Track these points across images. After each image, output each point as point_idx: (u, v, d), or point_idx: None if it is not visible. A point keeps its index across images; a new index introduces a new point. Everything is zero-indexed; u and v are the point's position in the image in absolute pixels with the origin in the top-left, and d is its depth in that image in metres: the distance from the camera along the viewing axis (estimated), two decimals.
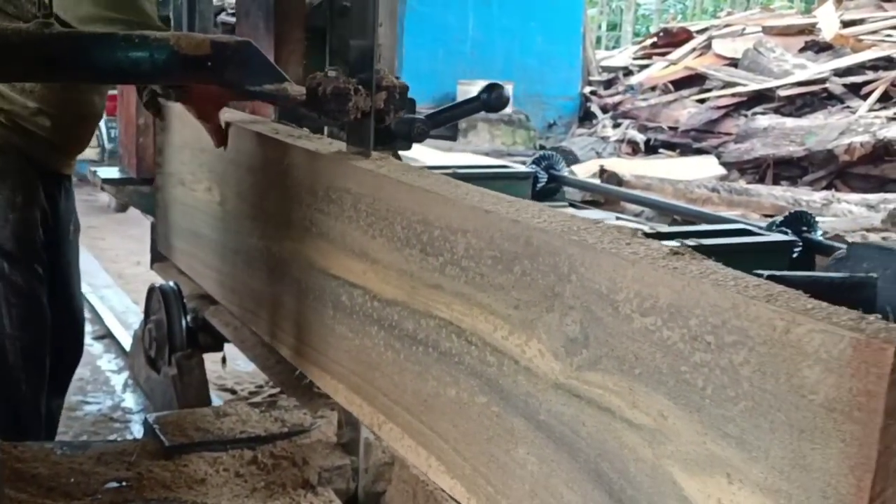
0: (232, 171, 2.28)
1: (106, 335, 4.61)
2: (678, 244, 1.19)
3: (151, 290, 3.32)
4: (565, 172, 4.67)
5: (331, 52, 2.32)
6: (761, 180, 9.99)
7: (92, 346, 4.60)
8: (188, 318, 3.16)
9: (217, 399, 3.97)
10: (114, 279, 5.85)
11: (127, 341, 4.57)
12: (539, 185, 4.45)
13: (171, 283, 3.20)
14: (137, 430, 3.71)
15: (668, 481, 1.05)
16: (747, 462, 0.96)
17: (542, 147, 11.15)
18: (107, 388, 4.11)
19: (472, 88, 11.01)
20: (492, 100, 2.35)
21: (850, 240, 3.24)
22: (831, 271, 2.25)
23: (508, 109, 11.45)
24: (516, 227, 1.29)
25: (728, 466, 0.98)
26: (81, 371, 4.26)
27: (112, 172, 3.60)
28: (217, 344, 3.19)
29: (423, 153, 5.72)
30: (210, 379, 4.21)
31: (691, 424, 1.03)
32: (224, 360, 3.45)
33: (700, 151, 11.00)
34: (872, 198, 7.96)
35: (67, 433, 3.59)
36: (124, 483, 1.98)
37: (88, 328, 4.85)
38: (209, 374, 4.22)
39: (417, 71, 10.54)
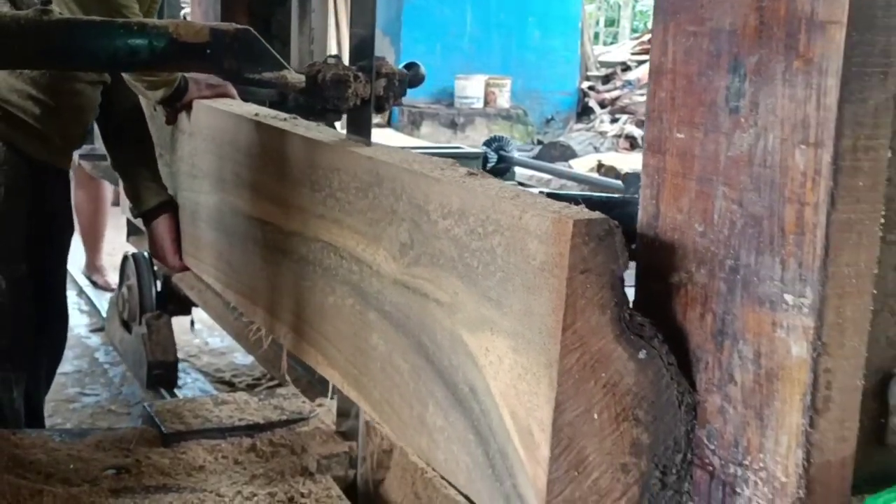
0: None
1: (103, 328, 4.60)
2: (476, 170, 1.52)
3: (125, 258, 3.48)
4: (514, 154, 4.86)
5: (271, 37, 2.40)
6: None
7: (89, 338, 4.57)
8: (158, 283, 3.31)
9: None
10: (110, 272, 5.84)
11: None
12: (489, 165, 4.61)
13: (144, 252, 3.29)
14: (136, 422, 3.72)
15: (459, 341, 1.38)
16: (501, 317, 1.29)
17: (539, 142, 11.08)
18: (104, 379, 4.09)
19: (469, 83, 10.97)
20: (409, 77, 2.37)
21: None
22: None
23: (506, 104, 11.41)
24: (370, 162, 1.62)
25: (491, 322, 1.31)
26: (79, 363, 4.24)
27: (87, 149, 3.66)
28: (184, 307, 3.33)
29: (391, 139, 5.91)
30: (208, 371, 4.23)
31: (471, 296, 1.35)
32: (192, 323, 3.61)
33: None
34: None
35: (66, 425, 3.55)
36: (123, 470, 1.98)
37: (86, 320, 4.84)
38: (207, 367, 4.25)
39: None
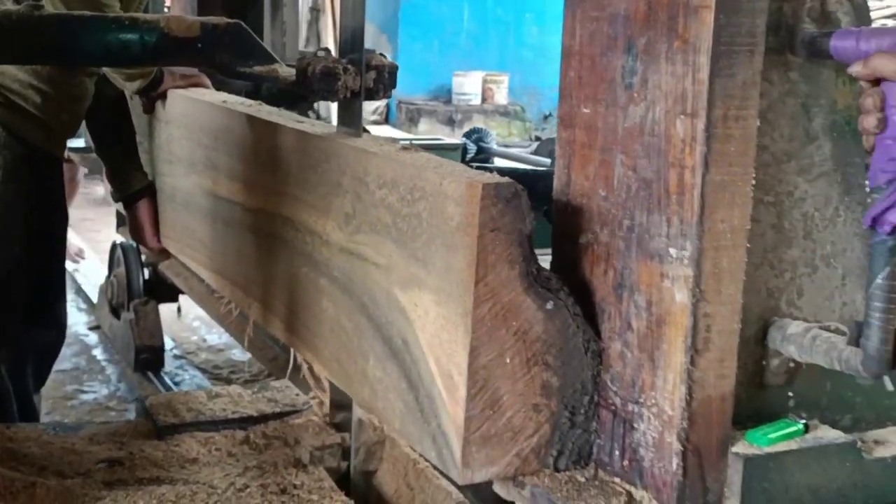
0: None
1: (100, 325, 4.70)
2: (409, 143, 1.69)
3: (114, 247, 3.58)
4: (494, 145, 5.02)
5: None
6: None
7: (87, 336, 4.63)
8: (146, 271, 3.43)
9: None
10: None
11: None
12: (468, 156, 4.76)
13: (132, 242, 3.41)
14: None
15: (394, 298, 1.53)
16: (427, 274, 1.43)
17: (538, 138, 11.19)
18: (102, 377, 4.14)
19: (467, 80, 11.10)
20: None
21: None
22: None
23: (503, 101, 11.53)
24: (322, 140, 1.78)
25: (419, 280, 1.45)
26: (77, 360, 4.28)
27: (78, 143, 3.77)
28: (171, 294, 3.44)
29: (389, 136, 6.03)
30: (206, 368, 4.29)
31: (403, 258, 1.50)
32: (179, 310, 3.69)
33: None
34: None
35: (64, 421, 3.60)
36: (116, 462, 1.99)
37: (84, 318, 4.95)
38: (205, 363, 4.33)
39: (412, 63, 10.59)
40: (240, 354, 4.36)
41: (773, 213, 1.38)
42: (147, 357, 3.65)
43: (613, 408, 1.41)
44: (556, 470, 1.42)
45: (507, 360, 1.37)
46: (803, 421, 1.40)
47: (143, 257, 3.59)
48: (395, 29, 10.92)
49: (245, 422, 2.19)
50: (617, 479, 1.40)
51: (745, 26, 1.24)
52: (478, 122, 11.11)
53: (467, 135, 5.12)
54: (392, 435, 1.58)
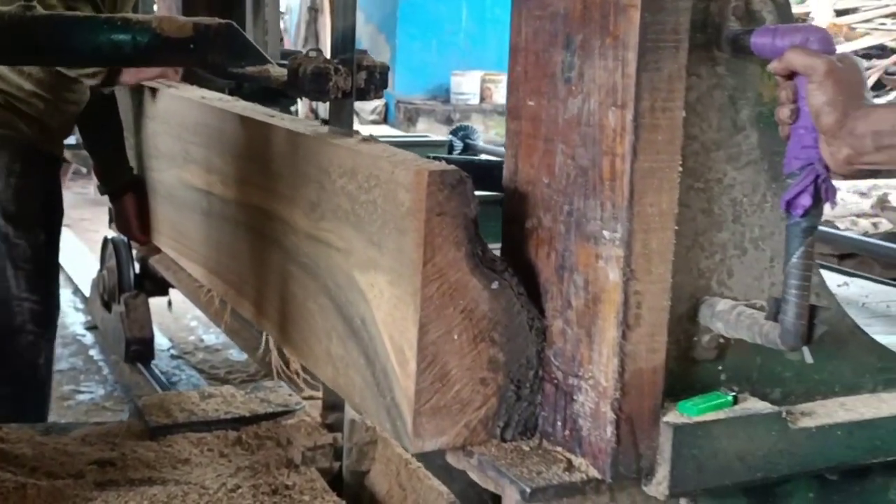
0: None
1: (93, 318, 4.76)
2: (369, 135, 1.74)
3: (105, 242, 3.67)
4: (480, 142, 5.15)
5: None
6: None
7: (84, 336, 4.67)
8: (136, 265, 3.53)
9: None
10: None
11: None
12: (455, 152, 4.87)
13: (122, 237, 3.51)
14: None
15: (353, 280, 1.64)
16: (381, 256, 1.54)
17: None
18: (99, 377, 4.17)
19: (465, 79, 11.20)
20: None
21: None
22: None
23: (502, 100, 11.62)
24: (290, 133, 1.88)
25: (375, 262, 1.56)
26: (74, 361, 4.30)
27: (69, 140, 3.87)
28: (161, 288, 3.53)
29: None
30: (203, 368, 4.33)
31: (361, 242, 1.61)
32: (169, 303, 3.77)
33: None
34: (862, 184, 7.92)
35: (59, 421, 3.71)
36: (107, 463, 1.99)
37: (80, 318, 5.03)
38: (202, 364, 4.36)
39: (411, 63, 10.70)
40: (237, 354, 4.40)
41: (703, 199, 1.48)
42: (137, 349, 3.75)
43: (556, 381, 1.50)
44: (503, 440, 1.52)
45: (455, 337, 1.46)
46: (733, 393, 1.49)
47: (134, 252, 3.68)
48: (393, 28, 11.01)
49: (237, 422, 2.19)
50: (559, 448, 1.50)
51: (669, 24, 1.34)
52: (476, 121, 11.19)
53: (454, 132, 5.24)
54: (352, 408, 1.67)
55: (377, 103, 9.90)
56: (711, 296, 1.49)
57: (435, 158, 1.59)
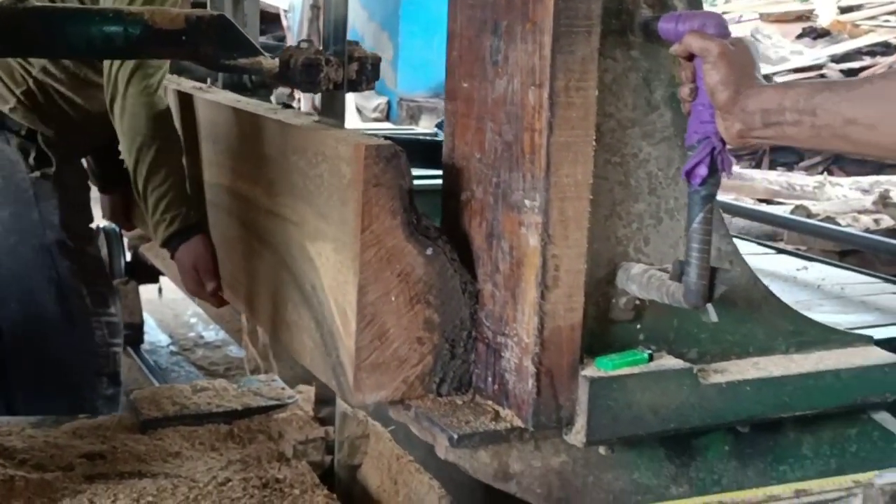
0: None
1: None
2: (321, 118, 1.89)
3: (97, 230, 3.79)
4: None
5: None
6: (757, 166, 10.08)
7: None
8: (128, 253, 3.66)
9: None
10: None
11: None
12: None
13: (114, 226, 3.64)
14: None
15: (305, 250, 1.77)
16: (328, 227, 1.68)
17: None
18: None
19: None
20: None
21: None
22: None
23: None
24: (252, 116, 2.01)
25: (322, 232, 1.70)
26: None
27: None
28: (151, 276, 3.66)
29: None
30: (202, 364, 4.41)
31: (311, 214, 1.74)
32: (160, 290, 3.90)
33: None
34: (864, 180, 7.96)
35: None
36: (97, 456, 1.98)
37: None
38: (202, 360, 4.44)
39: (413, 61, 10.81)
40: (236, 351, 4.42)
41: (620, 172, 1.61)
42: (128, 333, 3.86)
43: (487, 340, 1.64)
44: (439, 395, 1.65)
45: (393, 299, 1.60)
46: (649, 351, 1.62)
47: (126, 240, 3.81)
48: (395, 27, 11.12)
49: (229, 416, 2.17)
50: (490, 402, 1.63)
51: (581, 10, 1.47)
52: None
53: (439, 125, 5.39)
54: (305, 365, 1.80)
55: (379, 101, 10.03)
56: (629, 262, 1.62)
57: (385, 137, 1.71)
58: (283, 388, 2.32)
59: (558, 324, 1.54)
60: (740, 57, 1.40)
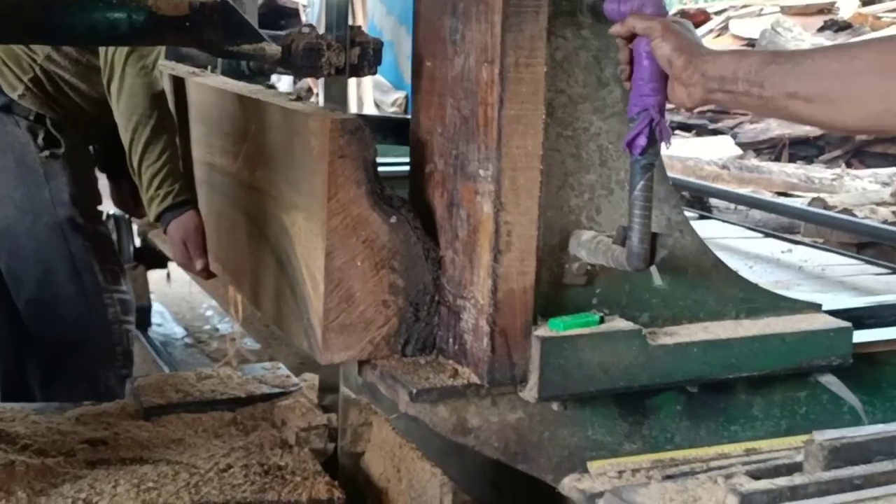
0: None
1: None
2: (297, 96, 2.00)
3: (107, 217, 3.92)
4: None
5: None
6: (777, 160, 10.09)
7: None
8: (137, 240, 3.78)
9: None
10: None
11: None
12: None
13: (123, 213, 3.77)
14: None
15: (280, 221, 1.88)
16: (299, 197, 1.80)
17: None
18: None
19: None
20: None
21: None
22: None
23: None
24: (235, 96, 2.14)
25: (295, 202, 1.82)
26: None
27: None
28: (160, 261, 3.78)
29: None
30: (217, 358, 4.40)
31: (286, 187, 1.85)
32: (168, 276, 4.01)
33: (716, 132, 11.12)
34: (883, 172, 7.96)
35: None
36: (100, 442, 2.00)
37: None
38: (216, 353, 4.50)
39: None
40: (251, 343, 4.41)
41: (571, 145, 1.71)
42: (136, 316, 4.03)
43: (448, 304, 1.74)
44: (404, 355, 1.76)
45: (359, 264, 1.71)
46: (601, 314, 1.72)
47: (135, 227, 3.93)
48: (397, 24, 11.22)
49: (233, 403, 2.18)
50: (451, 361, 1.74)
51: None
52: None
53: None
54: (283, 331, 1.90)
55: (397, 95, 10.14)
56: (581, 230, 1.72)
57: (358, 116, 1.81)
58: (287, 376, 2.33)
59: (511, 286, 1.64)
60: (683, 29, 1.49)
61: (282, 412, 2.11)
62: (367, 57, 1.82)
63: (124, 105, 2.33)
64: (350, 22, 1.86)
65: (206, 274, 2.38)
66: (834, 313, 1.93)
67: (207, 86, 2.30)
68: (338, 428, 2.08)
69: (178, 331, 4.85)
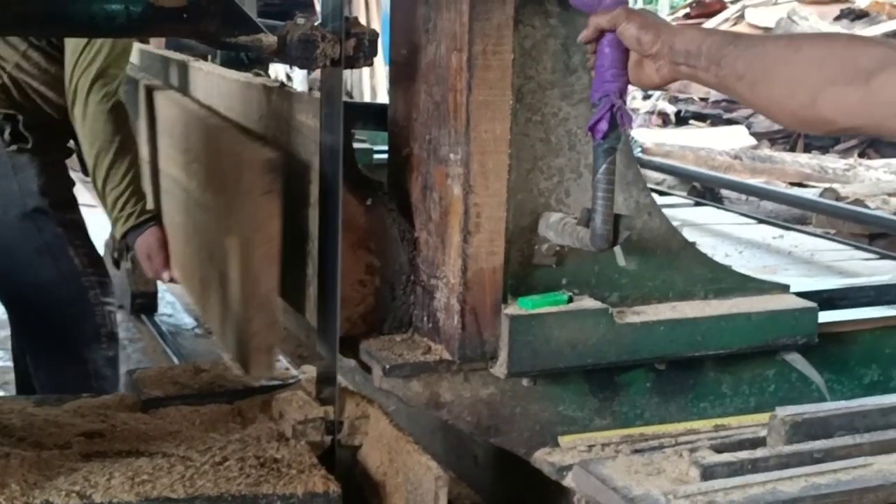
0: None
1: (121, 305, 5.03)
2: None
3: None
4: None
5: None
6: (792, 149, 10.08)
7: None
8: None
9: None
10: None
11: None
12: None
13: None
14: None
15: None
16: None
17: None
18: (123, 355, 4.20)
19: None
20: None
21: None
22: None
23: None
24: (189, 115, 2.22)
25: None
26: None
27: None
28: None
29: None
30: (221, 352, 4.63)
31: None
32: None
33: (730, 122, 11.11)
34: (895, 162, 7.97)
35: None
36: (96, 434, 1.99)
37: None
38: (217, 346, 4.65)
39: None
40: None
41: (540, 130, 1.76)
42: (142, 301, 4.10)
43: (423, 283, 1.81)
44: (381, 333, 1.83)
45: None
46: (570, 294, 1.78)
47: None
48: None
49: (231, 395, 2.15)
50: (425, 339, 1.80)
51: None
52: None
53: None
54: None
55: None
56: (550, 212, 1.78)
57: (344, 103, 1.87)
58: (286, 369, 2.29)
59: (481, 266, 1.70)
60: (644, 12, 1.54)
61: (279, 405, 2.08)
62: (362, 48, 1.78)
63: (88, 130, 2.41)
64: (363, 9, 1.89)
65: (172, 281, 2.49)
66: (804, 295, 1.98)
67: (172, 101, 2.37)
68: (334, 420, 2.06)
69: (188, 321, 4.90)
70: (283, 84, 2.07)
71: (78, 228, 2.68)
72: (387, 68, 7.63)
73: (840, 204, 4.83)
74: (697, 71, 1.43)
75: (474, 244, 1.69)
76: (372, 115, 2.23)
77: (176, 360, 3.96)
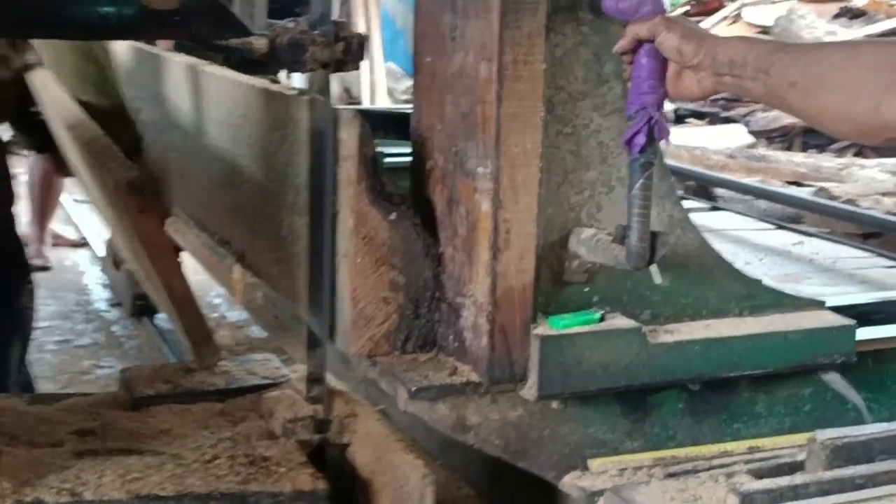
0: None
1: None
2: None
3: None
4: None
5: None
6: (789, 148, 10.03)
7: (109, 312, 4.70)
8: None
9: None
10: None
11: None
12: None
13: None
14: None
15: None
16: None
17: None
18: (119, 352, 4.17)
19: None
20: None
21: None
22: None
23: None
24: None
25: None
26: (97, 336, 4.33)
27: None
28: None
29: None
30: (223, 346, 4.54)
31: None
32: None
33: (728, 120, 11.06)
34: (889, 161, 7.92)
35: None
36: (88, 433, 1.98)
37: (107, 294, 5.28)
38: (223, 342, 4.58)
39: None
40: (258, 331, 4.35)
41: (571, 142, 1.70)
42: (141, 303, 4.02)
43: (448, 301, 1.74)
44: (404, 352, 1.76)
45: (358, 260, 1.70)
46: (602, 312, 1.71)
47: None
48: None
49: (222, 394, 2.18)
50: (451, 359, 1.73)
51: None
52: None
53: None
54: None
55: (410, 83, 10.14)
56: (581, 227, 1.71)
57: (359, 111, 1.80)
58: (277, 368, 2.32)
59: (510, 284, 1.63)
60: (682, 21, 1.48)
61: (269, 403, 2.10)
62: (351, 51, 1.80)
63: None
64: (361, 9, 1.86)
65: None
66: (838, 309, 1.92)
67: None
68: (323, 419, 2.06)
69: None
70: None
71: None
72: (386, 67, 7.63)
73: (834, 203, 4.78)
74: (743, 81, 1.37)
75: (504, 261, 1.62)
76: (393, 124, 2.16)
77: (173, 359, 3.90)
